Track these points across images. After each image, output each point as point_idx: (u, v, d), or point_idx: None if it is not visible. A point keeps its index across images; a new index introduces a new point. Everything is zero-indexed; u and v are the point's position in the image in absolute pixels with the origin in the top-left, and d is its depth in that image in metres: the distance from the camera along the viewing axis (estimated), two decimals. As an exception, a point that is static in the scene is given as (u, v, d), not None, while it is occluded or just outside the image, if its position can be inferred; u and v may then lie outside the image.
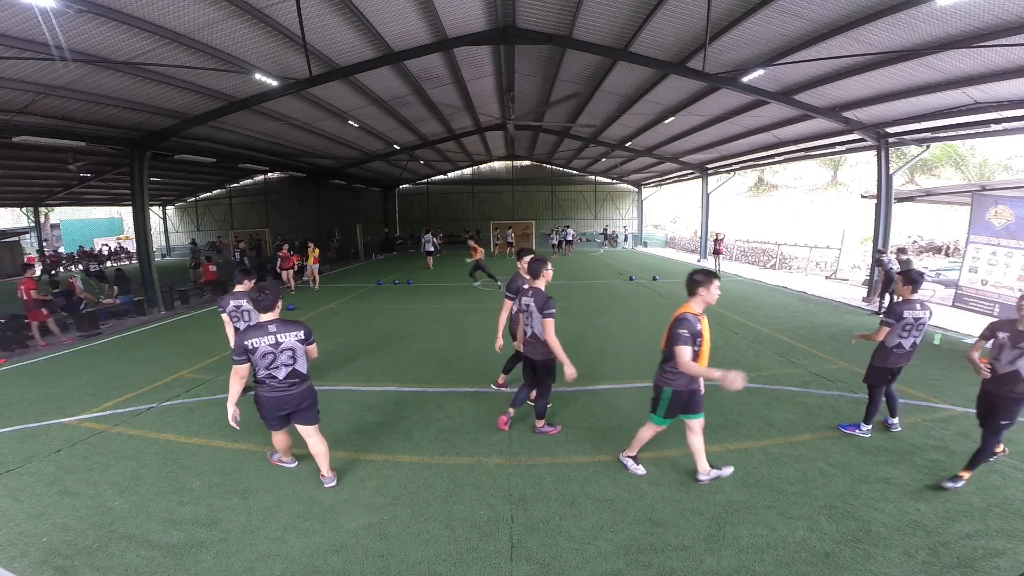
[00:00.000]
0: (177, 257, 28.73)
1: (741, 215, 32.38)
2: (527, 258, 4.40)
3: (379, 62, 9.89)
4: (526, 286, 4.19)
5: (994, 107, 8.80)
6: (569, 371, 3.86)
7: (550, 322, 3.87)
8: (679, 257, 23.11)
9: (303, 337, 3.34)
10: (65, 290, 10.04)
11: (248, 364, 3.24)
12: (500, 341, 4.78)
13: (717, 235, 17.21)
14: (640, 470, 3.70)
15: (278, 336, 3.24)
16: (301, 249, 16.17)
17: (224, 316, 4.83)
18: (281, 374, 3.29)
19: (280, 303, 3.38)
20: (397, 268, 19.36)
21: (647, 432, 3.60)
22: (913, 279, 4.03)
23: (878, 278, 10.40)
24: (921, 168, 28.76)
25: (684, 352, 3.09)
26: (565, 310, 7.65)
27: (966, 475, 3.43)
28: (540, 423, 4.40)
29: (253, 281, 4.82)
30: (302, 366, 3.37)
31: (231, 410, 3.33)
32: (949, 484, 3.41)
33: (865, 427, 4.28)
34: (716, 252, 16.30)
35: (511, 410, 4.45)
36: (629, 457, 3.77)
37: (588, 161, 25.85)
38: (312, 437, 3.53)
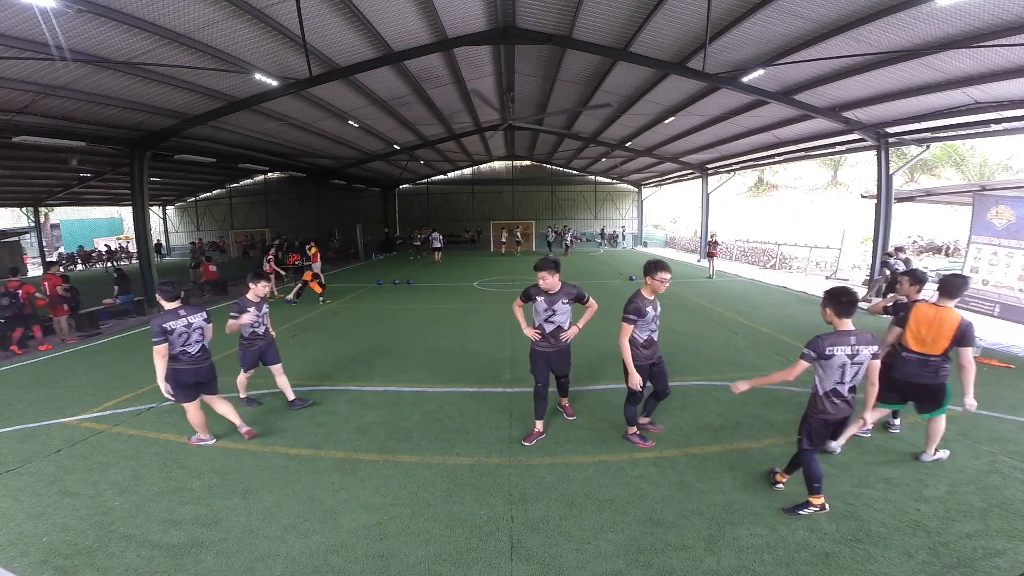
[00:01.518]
0: (177, 257, 28.69)
1: (741, 215, 32.38)
2: (549, 271, 4.05)
3: (379, 62, 9.89)
4: (540, 295, 4.13)
5: (994, 107, 8.81)
6: (634, 380, 3.79)
7: (626, 327, 3.84)
8: (679, 257, 23.07)
9: (206, 317, 4.14)
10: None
11: (166, 344, 3.84)
12: (529, 332, 4.42)
13: (712, 236, 16.60)
14: (944, 453, 3.88)
15: (188, 318, 3.99)
16: (301, 249, 16.20)
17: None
18: (193, 349, 4.01)
19: (183, 292, 4.14)
20: (397, 268, 19.36)
21: (942, 424, 3.77)
22: (919, 278, 4.04)
23: (879, 277, 10.50)
24: (921, 168, 28.77)
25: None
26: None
27: (784, 478, 3.53)
28: (632, 429, 4.23)
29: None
30: (207, 343, 4.15)
31: (163, 386, 3.90)
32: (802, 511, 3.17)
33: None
34: (710, 255, 15.59)
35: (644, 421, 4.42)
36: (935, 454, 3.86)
37: (588, 161, 25.84)
38: (219, 403, 4.30)
